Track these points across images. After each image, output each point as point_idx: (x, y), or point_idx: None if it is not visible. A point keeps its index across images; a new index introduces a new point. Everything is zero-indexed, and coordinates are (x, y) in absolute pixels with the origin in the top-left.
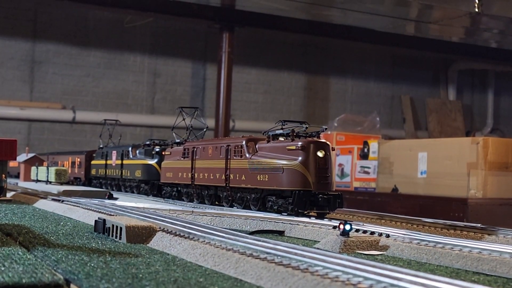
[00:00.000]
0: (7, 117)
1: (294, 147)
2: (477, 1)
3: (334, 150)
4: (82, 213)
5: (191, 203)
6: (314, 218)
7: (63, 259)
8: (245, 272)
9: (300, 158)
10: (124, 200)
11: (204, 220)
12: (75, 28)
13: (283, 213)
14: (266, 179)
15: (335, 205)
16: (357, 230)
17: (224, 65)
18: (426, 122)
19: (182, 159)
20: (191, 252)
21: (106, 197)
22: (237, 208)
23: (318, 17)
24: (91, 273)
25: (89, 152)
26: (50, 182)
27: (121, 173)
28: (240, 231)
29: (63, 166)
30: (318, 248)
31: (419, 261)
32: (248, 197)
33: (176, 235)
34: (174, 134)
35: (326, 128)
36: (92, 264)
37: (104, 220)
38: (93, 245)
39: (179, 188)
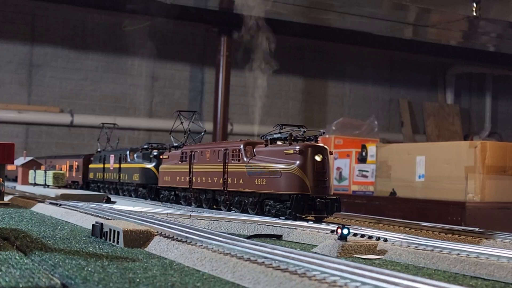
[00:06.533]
0: (4, 121)
1: (292, 151)
2: (475, 5)
3: (332, 154)
4: (80, 217)
5: (189, 207)
6: (312, 222)
7: (60, 263)
8: (242, 276)
9: (298, 162)
10: (122, 204)
11: (201, 224)
12: (73, 31)
13: (281, 217)
14: (264, 183)
15: (333, 209)
16: (355, 234)
17: (222, 69)
18: (424, 126)
19: (180, 163)
20: (189, 256)
21: (104, 201)
22: (235, 212)
23: (316, 20)
24: (88, 277)
25: (87, 155)
26: (48, 186)
27: (119, 176)
28: (238, 235)
29: (61, 169)
30: (316, 253)
31: (417, 266)
32: (246, 201)
33: (173, 240)
34: (172, 137)
35: (324, 132)
36: (89, 269)
37: (102, 224)
38: (91, 249)
39: (177, 192)
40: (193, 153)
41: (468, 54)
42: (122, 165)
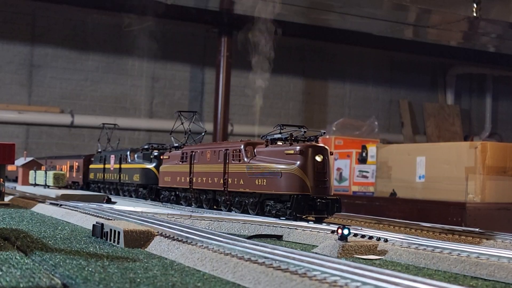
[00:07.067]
0: (5, 121)
1: (292, 152)
2: (475, 6)
3: (332, 154)
4: (80, 217)
5: (189, 207)
6: (312, 222)
7: (61, 263)
8: (243, 276)
9: (298, 162)
10: (122, 204)
11: (202, 224)
12: (74, 32)
13: (281, 218)
14: (265, 183)
15: (333, 209)
16: (355, 235)
17: (223, 69)
18: (424, 127)
19: (180, 163)
20: (189, 256)
21: (104, 201)
22: (235, 212)
23: (316, 21)
24: (89, 277)
25: (87, 156)
26: (48, 186)
27: (119, 177)
28: (238, 235)
29: (61, 170)
30: (316, 253)
31: (417, 266)
32: (247, 201)
33: (174, 240)
34: (172, 138)
35: (324, 133)
36: (90, 269)
37: (102, 224)
38: (91, 249)
39: (177, 192)
40: (193, 153)
41: (468, 55)
42: (123, 166)
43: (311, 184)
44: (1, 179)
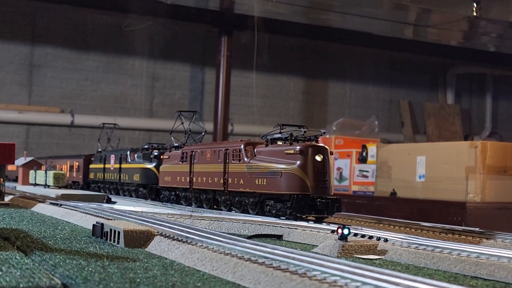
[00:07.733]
0: (5, 121)
1: (292, 151)
2: (475, 5)
3: (332, 154)
4: (80, 217)
5: (190, 207)
6: (312, 222)
7: (61, 263)
8: (243, 276)
9: (298, 162)
10: (122, 204)
11: (202, 224)
12: (74, 32)
13: (281, 217)
14: (265, 183)
15: (334, 209)
16: (355, 235)
17: (223, 69)
18: (425, 126)
19: (180, 163)
20: (189, 256)
21: (104, 201)
22: (236, 212)
23: (317, 21)
24: (89, 277)
25: (87, 156)
26: (48, 186)
27: (120, 177)
28: (238, 235)
29: (61, 170)
30: (316, 253)
31: (417, 266)
32: (247, 201)
33: (174, 240)
34: (172, 138)
35: (324, 132)
36: (90, 269)
37: (102, 224)
38: (91, 249)
39: (177, 192)
40: (193, 153)
41: (468, 55)
42: (123, 165)
43: (311, 184)
44: (1, 179)
